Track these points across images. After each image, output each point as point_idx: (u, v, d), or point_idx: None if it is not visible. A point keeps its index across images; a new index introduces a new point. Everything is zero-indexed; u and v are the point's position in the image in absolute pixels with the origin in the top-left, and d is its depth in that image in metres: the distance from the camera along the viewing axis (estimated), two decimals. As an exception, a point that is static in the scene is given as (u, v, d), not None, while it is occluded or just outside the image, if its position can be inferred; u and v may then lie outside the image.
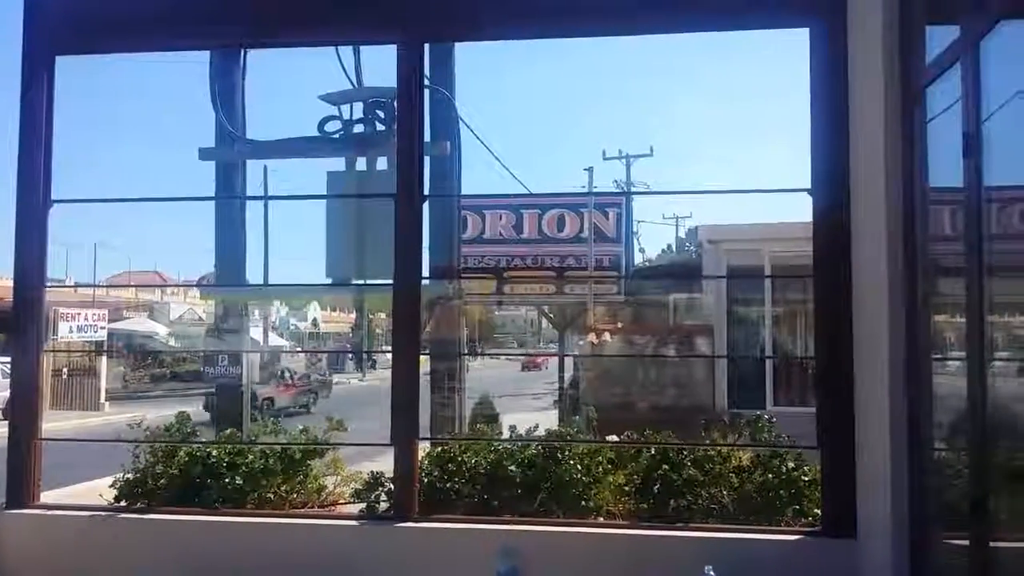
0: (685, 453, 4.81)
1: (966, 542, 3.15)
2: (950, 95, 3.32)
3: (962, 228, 3.22)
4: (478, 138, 19.58)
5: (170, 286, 41.58)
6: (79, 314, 26.23)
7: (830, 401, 4.32)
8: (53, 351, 21.99)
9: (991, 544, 2.99)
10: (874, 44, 3.89)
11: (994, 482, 2.97)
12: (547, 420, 8.05)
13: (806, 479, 4.61)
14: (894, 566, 3.68)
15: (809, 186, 4.41)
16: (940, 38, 3.54)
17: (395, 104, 4.89)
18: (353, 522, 4.74)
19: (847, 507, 4.15)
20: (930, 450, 3.65)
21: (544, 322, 31.81)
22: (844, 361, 4.22)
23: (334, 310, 63.36)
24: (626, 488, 4.84)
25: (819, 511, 4.42)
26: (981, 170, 3.04)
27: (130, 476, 5.14)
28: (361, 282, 7.36)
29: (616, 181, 34.20)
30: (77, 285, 34.06)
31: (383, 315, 50.31)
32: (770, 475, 4.67)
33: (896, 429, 3.69)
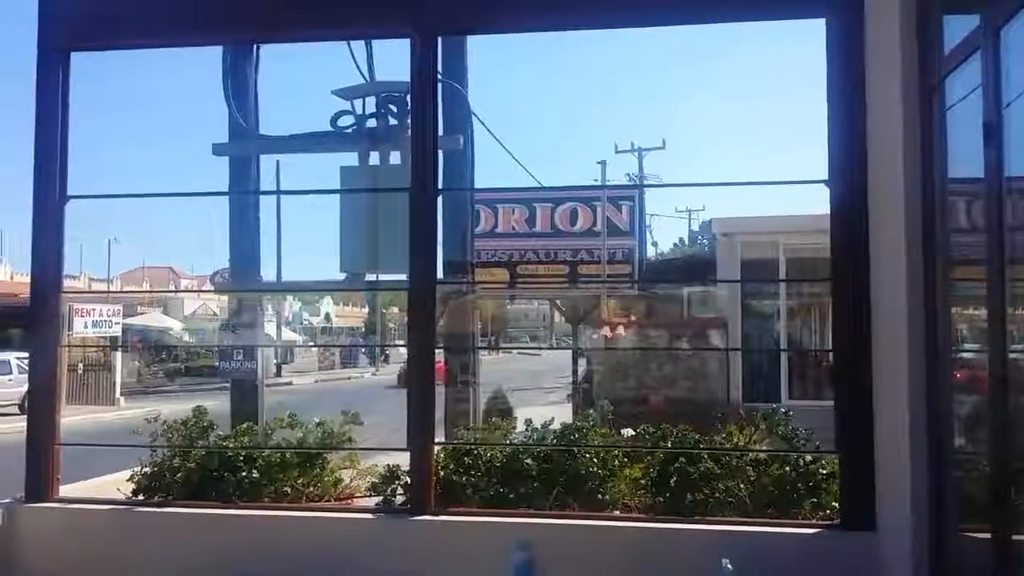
0: (701, 446, 4.79)
1: (987, 535, 3.13)
2: (969, 84, 3.29)
3: (982, 219, 3.19)
4: (490, 132, 19.49)
5: (184, 292, 41.65)
6: (94, 309, 26.37)
7: (848, 395, 4.30)
8: (68, 347, 22.09)
9: (1012, 537, 2.98)
10: (892, 34, 3.85)
11: (1015, 475, 2.94)
12: (561, 414, 8.03)
13: (823, 472, 4.57)
14: (914, 559, 3.66)
15: (826, 177, 4.37)
16: (959, 27, 3.51)
17: (408, 99, 4.87)
18: (370, 515, 4.75)
19: (866, 500, 4.13)
20: (950, 444, 3.62)
21: (557, 316, 31.75)
22: (862, 354, 4.19)
23: (347, 304, 63.55)
24: (642, 481, 4.82)
25: (837, 504, 4.39)
26: (1002, 160, 3.01)
27: (147, 470, 5.16)
28: (374, 277, 7.35)
29: (628, 175, 34.10)
30: (92, 291, 34.15)
31: (396, 309, 50.41)
32: (787, 468, 4.64)
33: (916, 423, 3.67)
